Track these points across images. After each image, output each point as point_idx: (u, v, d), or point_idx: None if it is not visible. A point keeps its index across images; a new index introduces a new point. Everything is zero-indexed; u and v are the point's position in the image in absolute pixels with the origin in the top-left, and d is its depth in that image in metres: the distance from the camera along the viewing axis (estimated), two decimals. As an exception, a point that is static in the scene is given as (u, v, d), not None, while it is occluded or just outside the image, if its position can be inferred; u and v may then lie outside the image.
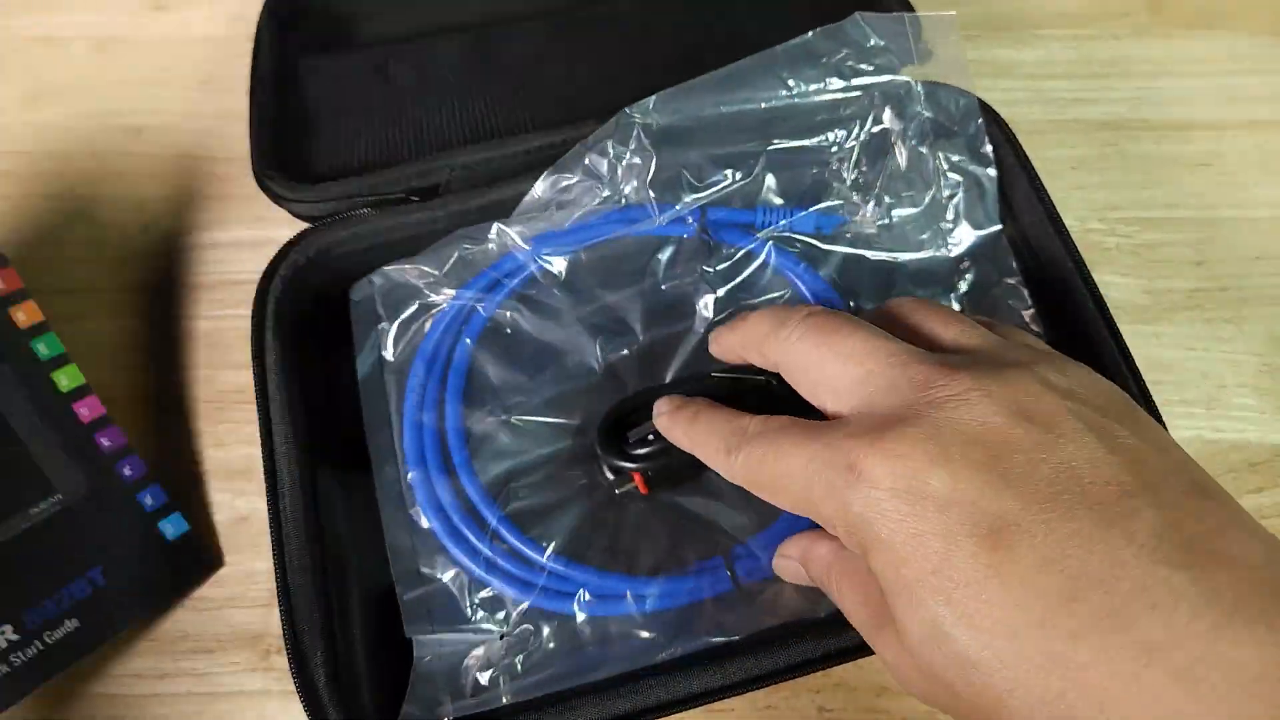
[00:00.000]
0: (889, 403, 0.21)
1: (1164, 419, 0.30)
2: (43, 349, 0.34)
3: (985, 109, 0.36)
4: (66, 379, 0.35)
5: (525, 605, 0.29)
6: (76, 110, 0.48)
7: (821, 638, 0.28)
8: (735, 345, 0.28)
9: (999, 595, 0.18)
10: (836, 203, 0.34)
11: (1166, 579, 0.17)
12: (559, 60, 0.40)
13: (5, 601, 0.32)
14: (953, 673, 0.19)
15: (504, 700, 0.28)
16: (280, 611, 0.28)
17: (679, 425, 0.27)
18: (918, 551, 0.19)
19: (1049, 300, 0.34)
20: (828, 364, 0.24)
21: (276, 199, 0.36)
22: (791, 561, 0.27)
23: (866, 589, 0.23)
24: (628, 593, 0.29)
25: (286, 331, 0.33)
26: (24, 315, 0.34)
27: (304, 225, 0.35)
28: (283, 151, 0.38)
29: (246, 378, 0.32)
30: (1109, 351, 0.31)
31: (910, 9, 0.37)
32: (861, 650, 0.28)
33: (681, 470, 0.29)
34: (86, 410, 0.35)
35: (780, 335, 0.25)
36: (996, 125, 0.35)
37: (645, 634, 0.28)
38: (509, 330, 0.33)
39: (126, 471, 0.35)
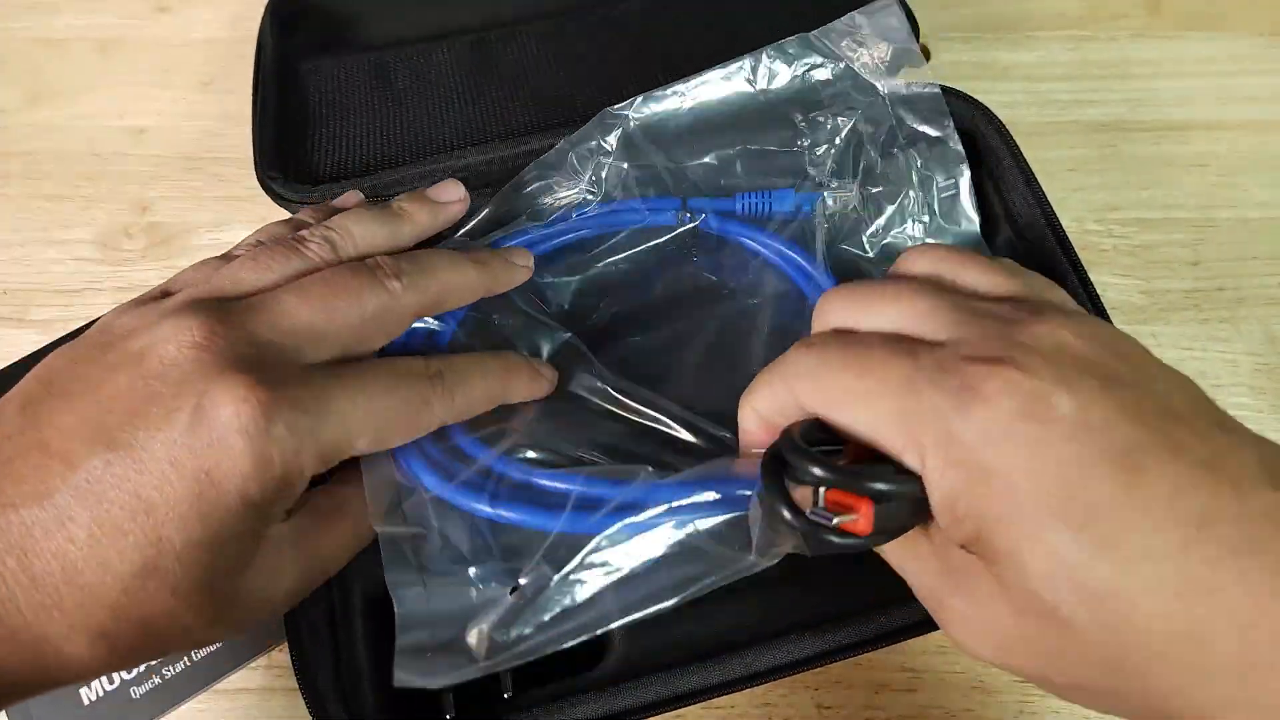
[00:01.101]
0: (987, 331, 0.20)
1: (1160, 419, 0.31)
2: None
3: (982, 110, 0.36)
4: None
5: (539, 556, 0.25)
6: (78, 111, 0.48)
7: (820, 635, 0.28)
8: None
9: (1139, 521, 0.18)
10: (816, 185, 0.34)
11: None
12: (559, 63, 0.41)
13: None
14: (1077, 607, 0.18)
15: (512, 660, 0.23)
16: (283, 609, 0.29)
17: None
18: (1044, 478, 0.18)
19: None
20: (897, 307, 0.22)
21: (279, 200, 0.36)
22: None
23: (936, 533, 0.22)
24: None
25: (289, 332, 0.33)
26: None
27: (306, 226, 0.36)
28: (285, 153, 0.38)
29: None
30: (1105, 352, 0.31)
31: (908, 10, 0.37)
32: (859, 648, 0.28)
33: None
34: None
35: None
36: (993, 126, 0.36)
37: (665, 568, 0.25)
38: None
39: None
